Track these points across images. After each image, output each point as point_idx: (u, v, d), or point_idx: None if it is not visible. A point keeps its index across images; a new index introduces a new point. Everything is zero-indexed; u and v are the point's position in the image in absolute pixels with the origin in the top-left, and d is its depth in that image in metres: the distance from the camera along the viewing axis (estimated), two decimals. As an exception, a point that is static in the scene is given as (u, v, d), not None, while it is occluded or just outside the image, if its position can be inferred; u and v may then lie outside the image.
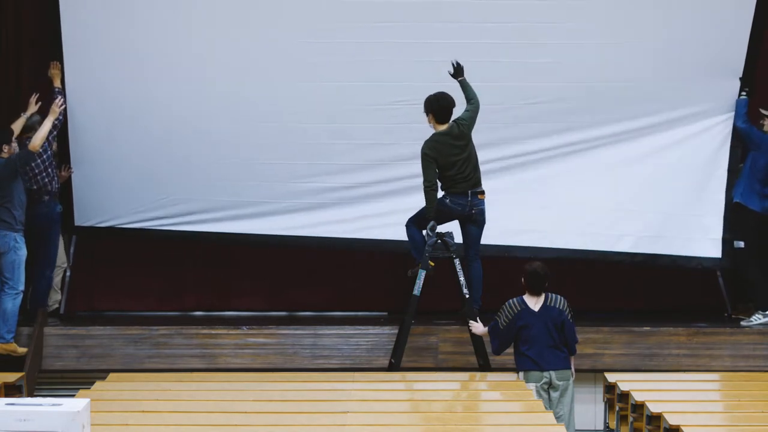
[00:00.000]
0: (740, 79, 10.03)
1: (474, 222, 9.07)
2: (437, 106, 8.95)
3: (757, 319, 10.07)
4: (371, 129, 10.08)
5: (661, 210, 10.24)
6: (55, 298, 10.26)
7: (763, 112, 10.13)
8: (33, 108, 9.53)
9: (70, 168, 10.09)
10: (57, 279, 10.24)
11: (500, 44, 9.86)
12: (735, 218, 10.17)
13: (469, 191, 9.01)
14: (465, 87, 9.11)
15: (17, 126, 9.46)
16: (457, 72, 9.11)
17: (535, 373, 8.09)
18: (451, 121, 8.99)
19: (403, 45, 9.86)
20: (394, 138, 10.08)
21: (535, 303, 8.16)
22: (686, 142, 10.21)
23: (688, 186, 10.24)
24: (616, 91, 10.05)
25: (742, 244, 10.12)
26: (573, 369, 8.23)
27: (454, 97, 8.99)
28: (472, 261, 9.11)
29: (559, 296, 8.21)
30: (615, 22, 9.91)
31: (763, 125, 10.12)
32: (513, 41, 9.85)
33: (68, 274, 10.44)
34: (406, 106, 9.84)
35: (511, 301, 8.24)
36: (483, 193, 9.04)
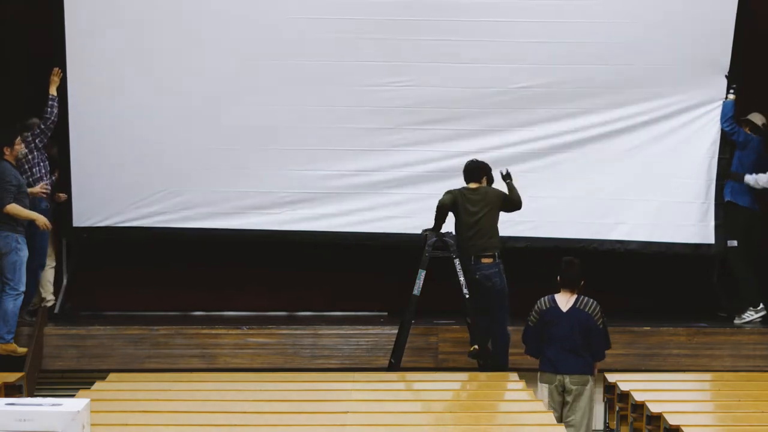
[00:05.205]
0: (726, 76, 10.08)
1: (483, 288, 9.01)
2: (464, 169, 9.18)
3: (750, 315, 10.13)
4: (369, 113, 10.11)
5: (654, 198, 10.29)
6: (47, 297, 10.18)
7: (742, 118, 10.25)
8: (37, 191, 9.58)
9: (64, 195, 10.09)
10: (49, 277, 10.20)
11: (494, 24, 9.92)
12: (726, 216, 10.23)
13: (473, 256, 9.01)
14: (510, 190, 9.19)
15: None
16: (506, 177, 9.22)
17: (548, 375, 7.99)
18: (485, 185, 9.11)
19: (398, 22, 9.90)
20: (392, 122, 10.11)
21: (565, 303, 8.00)
22: (679, 130, 10.26)
23: (681, 174, 10.28)
24: (607, 79, 10.10)
25: (735, 243, 10.18)
26: (596, 372, 8.10)
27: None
28: (496, 329, 9.07)
29: (591, 300, 8.01)
30: (608, 7, 9.97)
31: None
32: (507, 20, 9.92)
33: (65, 274, 10.45)
34: (402, 87, 9.90)
35: (542, 298, 8.12)
36: (489, 257, 8.98)
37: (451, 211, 9.08)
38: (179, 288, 10.83)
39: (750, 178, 10.13)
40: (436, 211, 9.08)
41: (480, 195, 9.06)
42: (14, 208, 9.12)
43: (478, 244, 9.00)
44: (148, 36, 9.99)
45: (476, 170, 9.14)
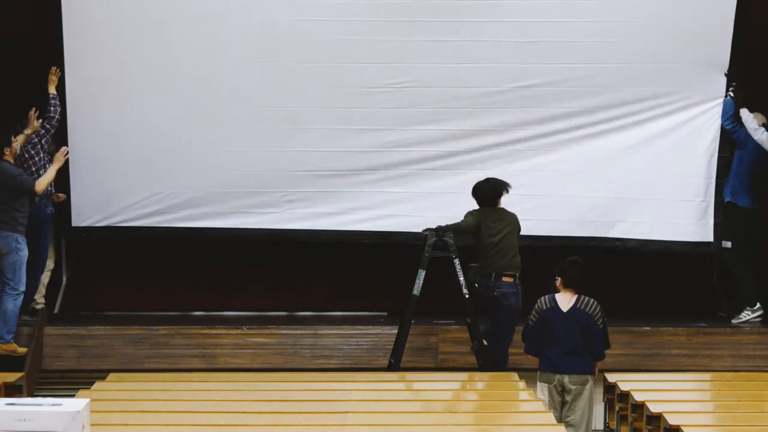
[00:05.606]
0: (725, 74, 10.08)
1: (500, 306, 9.00)
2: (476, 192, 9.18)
3: (746, 315, 10.14)
4: (368, 113, 10.10)
5: (654, 196, 10.29)
6: (38, 299, 10.14)
7: (741, 114, 10.23)
8: (34, 124, 9.52)
9: (63, 195, 10.09)
10: (44, 279, 10.16)
11: (493, 24, 9.93)
12: (726, 217, 10.24)
13: (494, 273, 9.02)
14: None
15: (20, 140, 9.44)
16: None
17: (548, 374, 7.98)
18: (502, 206, 9.15)
19: (398, 23, 9.91)
20: (392, 122, 10.10)
21: (566, 303, 7.99)
22: (679, 128, 10.27)
23: (681, 172, 10.29)
24: (606, 78, 10.10)
25: (729, 244, 10.19)
26: (596, 372, 8.11)
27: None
28: (499, 343, 9.07)
29: (591, 300, 8.00)
30: (607, 7, 9.98)
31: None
32: (506, 20, 9.93)
33: (65, 274, 10.45)
34: (402, 87, 9.91)
35: (543, 297, 8.11)
36: (510, 276, 9.00)
37: (472, 232, 9.10)
38: (179, 288, 10.82)
39: (744, 112, 10.06)
40: (456, 229, 9.06)
41: (501, 215, 9.11)
42: (40, 183, 9.21)
43: (500, 262, 9.01)
44: (147, 36, 9.98)
45: (492, 194, 9.14)
